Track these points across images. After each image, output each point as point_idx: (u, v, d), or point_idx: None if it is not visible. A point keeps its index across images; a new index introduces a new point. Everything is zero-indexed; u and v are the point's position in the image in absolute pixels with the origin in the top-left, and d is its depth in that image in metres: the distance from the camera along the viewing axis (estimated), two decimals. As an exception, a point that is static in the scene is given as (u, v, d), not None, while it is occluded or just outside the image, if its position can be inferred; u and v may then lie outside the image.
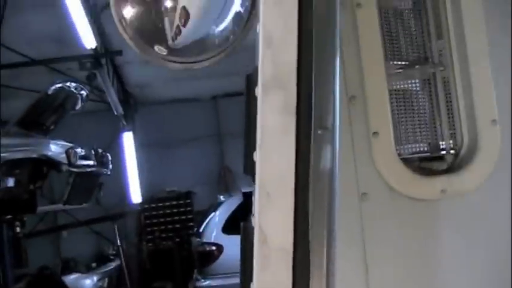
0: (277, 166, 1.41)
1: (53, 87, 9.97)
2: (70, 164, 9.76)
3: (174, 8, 2.07)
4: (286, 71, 1.41)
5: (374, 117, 1.96)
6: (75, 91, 10.40)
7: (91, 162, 10.28)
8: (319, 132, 1.46)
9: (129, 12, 2.14)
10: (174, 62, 2.11)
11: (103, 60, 11.67)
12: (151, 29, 2.11)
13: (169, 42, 2.10)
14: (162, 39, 2.09)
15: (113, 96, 12.24)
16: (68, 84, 10.32)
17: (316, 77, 1.48)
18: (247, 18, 2.03)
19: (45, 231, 13.58)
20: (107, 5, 10.32)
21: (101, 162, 10.64)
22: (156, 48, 2.08)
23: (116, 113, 13.01)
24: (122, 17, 2.12)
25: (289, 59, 1.42)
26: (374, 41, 1.97)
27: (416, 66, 2.09)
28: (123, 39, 2.13)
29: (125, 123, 13.78)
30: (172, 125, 14.20)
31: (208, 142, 14.62)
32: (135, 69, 12.53)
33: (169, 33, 2.10)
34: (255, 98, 1.45)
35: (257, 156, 1.41)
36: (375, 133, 1.96)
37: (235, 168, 13.21)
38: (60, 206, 10.63)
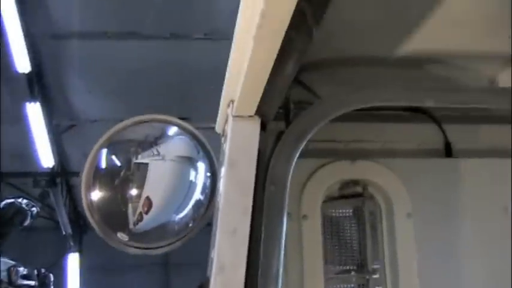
0: None
1: (4, 202, 9.93)
2: (10, 283, 9.57)
3: (138, 196, 2.24)
4: None
5: None
6: (25, 207, 10.30)
7: (32, 283, 10.07)
8: None
9: (96, 195, 2.30)
10: (134, 247, 2.27)
11: (58, 179, 11.76)
12: (116, 214, 2.26)
13: (131, 226, 2.26)
14: (124, 225, 2.25)
15: (63, 216, 12.23)
16: (19, 200, 10.26)
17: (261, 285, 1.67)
18: (207, 205, 2.21)
19: None
20: (70, 127, 10.46)
21: (43, 283, 10.45)
22: (119, 235, 2.24)
23: (64, 233, 12.93)
24: (90, 201, 2.28)
25: (237, 284, 1.61)
26: (316, 249, 2.20)
27: (353, 273, 2.31)
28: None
29: (72, 243, 13.65)
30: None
31: (155, 270, 14.50)
32: (89, 191, 12.56)
33: (132, 219, 2.25)
34: None
35: None
36: None
37: (180, 300, 13.11)
38: (-8, 325, 10.30)
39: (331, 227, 2.32)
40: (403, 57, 2.12)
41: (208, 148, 2.26)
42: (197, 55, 9.28)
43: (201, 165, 2.28)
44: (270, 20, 1.15)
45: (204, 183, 2.26)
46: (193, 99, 9.88)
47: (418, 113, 2.41)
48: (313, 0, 1.13)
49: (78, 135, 10.88)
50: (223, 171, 1.75)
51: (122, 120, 2.30)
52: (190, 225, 2.24)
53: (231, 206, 1.66)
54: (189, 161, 2.29)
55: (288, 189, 1.73)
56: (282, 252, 1.70)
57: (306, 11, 1.15)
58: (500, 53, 2.19)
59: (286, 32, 1.21)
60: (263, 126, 1.75)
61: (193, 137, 2.26)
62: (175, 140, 2.31)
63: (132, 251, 2.26)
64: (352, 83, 2.24)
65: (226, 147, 1.73)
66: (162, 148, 2.26)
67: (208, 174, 2.24)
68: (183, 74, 9.66)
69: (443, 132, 2.46)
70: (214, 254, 1.65)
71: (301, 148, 1.76)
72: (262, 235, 1.69)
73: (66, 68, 10.06)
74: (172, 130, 2.30)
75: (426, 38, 2.02)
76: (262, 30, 1.19)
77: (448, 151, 2.46)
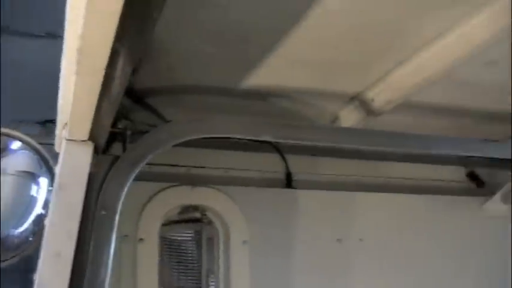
0: None
1: None
2: None
3: (-25, 209, 2.19)
4: None
5: None
6: None
7: None
8: None
9: None
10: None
11: None
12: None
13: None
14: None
15: None
16: None
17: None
18: (48, 219, 2.19)
19: None
20: None
21: None
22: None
23: None
24: None
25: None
26: (151, 272, 2.22)
27: (190, 296, 2.36)
28: None
29: None
30: None
31: (15, 277, 13.93)
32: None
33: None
34: None
35: None
36: None
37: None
38: None
39: (169, 250, 2.35)
40: (247, 89, 2.18)
41: (51, 164, 2.24)
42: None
43: (44, 180, 2.26)
44: (87, 58, 1.18)
45: (46, 198, 2.24)
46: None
47: (262, 143, 2.48)
48: (126, 43, 1.17)
49: None
50: (52, 193, 1.74)
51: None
52: (31, 239, 2.22)
53: (56, 228, 1.65)
54: (31, 176, 2.27)
55: (118, 215, 1.74)
56: (108, 278, 1.71)
57: (120, 51, 1.19)
58: (340, 92, 2.30)
59: (106, 68, 1.24)
60: (98, 150, 1.75)
61: (37, 152, 2.23)
62: (18, 155, 2.27)
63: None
64: (199, 110, 2.29)
65: (57, 169, 1.73)
66: (4, 162, 2.23)
67: (50, 188, 2.23)
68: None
69: (286, 162, 2.55)
70: (37, 276, 1.64)
71: (135, 174, 1.77)
72: (89, 259, 1.70)
73: None
74: (16, 144, 2.27)
75: (268, 74, 2.09)
76: (81, 67, 1.22)
77: (288, 181, 2.55)
